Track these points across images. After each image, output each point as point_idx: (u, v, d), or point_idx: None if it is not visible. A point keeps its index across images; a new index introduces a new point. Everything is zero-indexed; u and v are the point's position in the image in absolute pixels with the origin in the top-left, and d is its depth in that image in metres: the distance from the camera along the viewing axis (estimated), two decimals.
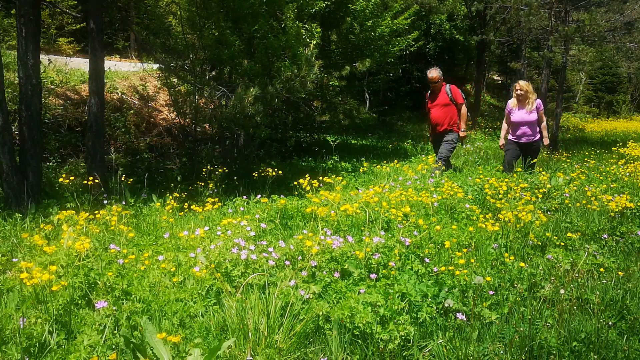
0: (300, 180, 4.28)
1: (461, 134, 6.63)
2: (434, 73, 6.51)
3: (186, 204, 4.65)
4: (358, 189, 5.22)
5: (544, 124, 6.50)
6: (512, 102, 6.51)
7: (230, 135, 7.94)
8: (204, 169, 6.27)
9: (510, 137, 6.56)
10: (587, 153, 10.42)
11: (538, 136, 6.47)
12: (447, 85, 6.59)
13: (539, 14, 11.44)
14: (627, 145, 10.28)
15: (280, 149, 9.94)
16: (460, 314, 2.25)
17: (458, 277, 2.55)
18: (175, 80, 7.41)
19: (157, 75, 8.21)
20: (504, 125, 6.61)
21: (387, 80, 15.48)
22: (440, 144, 6.64)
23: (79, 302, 2.36)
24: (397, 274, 2.52)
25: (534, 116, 6.33)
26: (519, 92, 6.35)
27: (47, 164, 7.02)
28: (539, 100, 6.41)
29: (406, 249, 2.90)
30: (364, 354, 2.08)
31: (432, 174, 5.95)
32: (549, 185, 4.95)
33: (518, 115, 6.42)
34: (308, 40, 7.25)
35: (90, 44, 5.79)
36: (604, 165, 7.75)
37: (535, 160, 6.49)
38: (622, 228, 3.70)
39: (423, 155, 10.31)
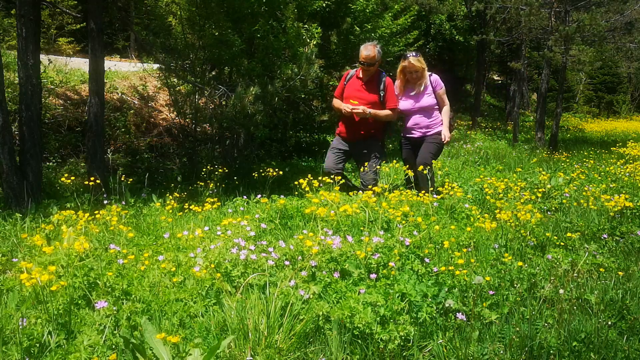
0: (300, 180, 4.27)
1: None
2: (371, 50, 4.33)
3: (186, 204, 4.65)
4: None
5: (446, 108, 4.57)
6: (398, 85, 4.65)
7: (230, 135, 7.94)
8: (204, 169, 6.27)
9: (403, 132, 4.79)
10: (586, 153, 10.43)
11: (437, 128, 4.59)
12: (384, 75, 4.54)
13: (539, 14, 11.45)
14: (627, 145, 10.29)
15: (280, 149, 9.95)
16: (460, 314, 2.25)
17: (458, 277, 2.55)
18: (176, 80, 7.41)
19: (157, 75, 8.21)
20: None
21: None
22: (359, 153, 4.65)
23: (79, 302, 2.36)
24: (397, 274, 2.52)
25: (428, 99, 4.53)
26: (414, 74, 4.49)
27: (47, 164, 7.02)
28: (435, 77, 4.56)
29: (406, 248, 2.90)
30: (364, 354, 2.08)
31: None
32: (549, 186, 4.96)
33: (407, 100, 4.59)
34: (308, 40, 7.25)
35: (90, 44, 5.79)
36: (603, 165, 7.75)
37: (426, 166, 4.37)
38: (622, 228, 3.71)
39: None
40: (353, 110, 4.39)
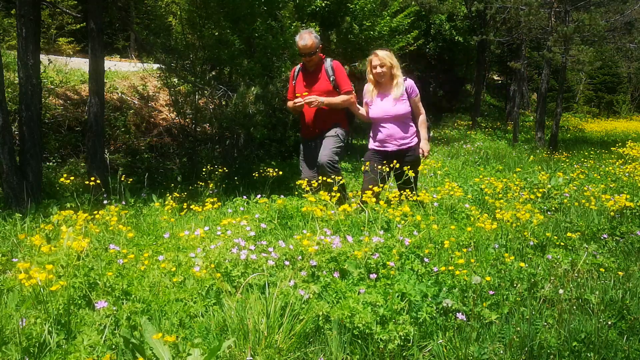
0: (300, 181, 4.28)
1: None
2: (307, 39, 3.99)
3: (186, 204, 4.65)
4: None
5: (422, 117, 4.10)
6: (368, 88, 4.11)
7: (230, 135, 7.94)
8: (204, 169, 6.27)
9: (371, 143, 4.20)
10: (586, 153, 10.43)
11: (414, 141, 4.11)
12: (328, 60, 4.20)
13: (539, 14, 11.45)
14: (627, 145, 10.29)
15: (280, 149, 9.94)
16: (460, 313, 2.25)
17: (458, 277, 2.55)
18: (176, 80, 7.41)
19: (157, 75, 8.21)
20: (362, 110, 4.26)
21: None
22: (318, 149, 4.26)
23: (79, 302, 2.36)
24: (396, 274, 2.52)
25: (404, 107, 3.99)
26: (378, 69, 3.94)
27: (47, 164, 7.02)
28: (410, 82, 4.04)
29: (406, 248, 2.90)
30: (363, 354, 2.08)
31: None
32: (548, 186, 4.96)
33: (380, 106, 4.03)
34: None
35: (90, 44, 5.79)
36: (603, 165, 7.75)
37: (412, 179, 3.97)
38: (622, 228, 3.71)
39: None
40: (305, 101, 4.01)
